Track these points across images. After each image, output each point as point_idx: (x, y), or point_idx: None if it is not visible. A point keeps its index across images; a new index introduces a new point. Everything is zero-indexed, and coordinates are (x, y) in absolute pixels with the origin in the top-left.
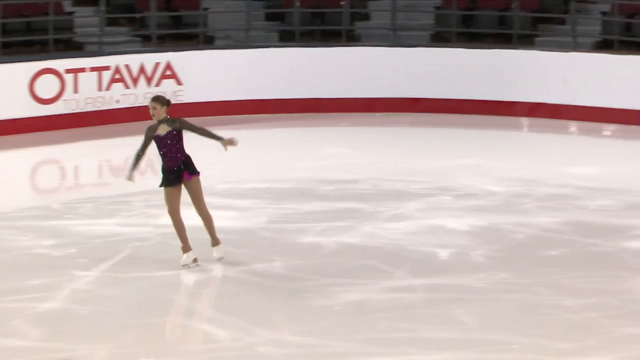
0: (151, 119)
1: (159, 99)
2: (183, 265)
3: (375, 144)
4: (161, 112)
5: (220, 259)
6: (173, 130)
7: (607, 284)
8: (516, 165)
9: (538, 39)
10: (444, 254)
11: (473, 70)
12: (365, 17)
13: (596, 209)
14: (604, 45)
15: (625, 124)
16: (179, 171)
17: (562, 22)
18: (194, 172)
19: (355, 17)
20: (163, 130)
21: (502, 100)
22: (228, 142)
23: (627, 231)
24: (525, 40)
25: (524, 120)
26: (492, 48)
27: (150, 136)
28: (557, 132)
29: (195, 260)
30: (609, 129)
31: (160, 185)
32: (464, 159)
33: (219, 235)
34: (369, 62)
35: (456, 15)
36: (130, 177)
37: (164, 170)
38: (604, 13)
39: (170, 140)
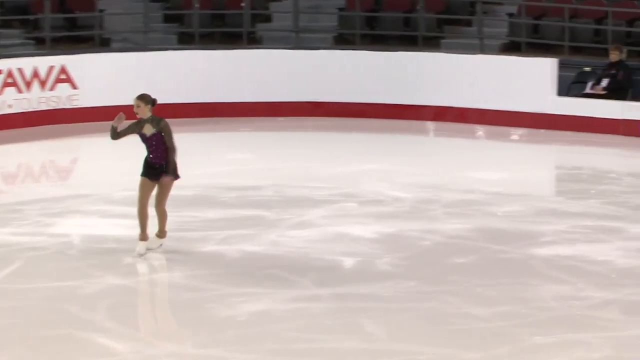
0: (135, 118)
1: (143, 98)
2: (139, 255)
3: (278, 149)
4: (145, 111)
5: (159, 247)
6: (158, 132)
7: (517, 291)
8: (423, 171)
9: (444, 41)
10: (349, 262)
11: (378, 73)
12: (267, 18)
13: (505, 215)
14: (511, 48)
15: (533, 127)
16: (160, 170)
17: (468, 23)
18: (169, 173)
19: (257, 18)
20: (148, 130)
21: (407, 104)
22: (166, 180)
23: (536, 237)
24: (430, 43)
25: (430, 125)
26: (397, 50)
27: (134, 130)
28: (464, 136)
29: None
30: (516, 133)
31: (140, 174)
32: (370, 164)
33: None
34: (271, 65)
35: (360, 16)
36: (116, 123)
37: (147, 162)
38: (510, 15)
39: (156, 142)
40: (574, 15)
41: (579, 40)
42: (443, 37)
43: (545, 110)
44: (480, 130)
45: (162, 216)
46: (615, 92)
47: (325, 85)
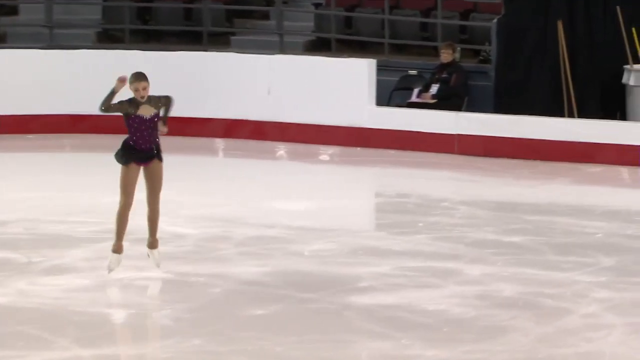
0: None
1: (145, 76)
2: (110, 270)
3: (28, 175)
4: (148, 91)
5: (158, 266)
6: (157, 112)
7: (327, 350)
8: (210, 201)
9: (235, 37)
10: (119, 315)
11: (153, 78)
12: (13, 11)
13: (313, 254)
14: (319, 46)
15: (347, 145)
16: (149, 155)
17: (265, 16)
18: (160, 158)
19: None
20: (147, 112)
21: (190, 116)
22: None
23: (352, 283)
24: (218, 40)
25: (220, 143)
26: (176, 50)
27: (126, 110)
28: (261, 157)
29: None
30: (326, 152)
31: (124, 163)
32: (143, 192)
33: None
34: (19, 68)
35: (129, 7)
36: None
37: (132, 147)
38: (317, 5)
39: (153, 124)
40: (396, 6)
41: (402, 36)
42: (233, 33)
43: (361, 124)
44: (282, 149)
45: (155, 215)
46: (447, 101)
47: (87, 94)
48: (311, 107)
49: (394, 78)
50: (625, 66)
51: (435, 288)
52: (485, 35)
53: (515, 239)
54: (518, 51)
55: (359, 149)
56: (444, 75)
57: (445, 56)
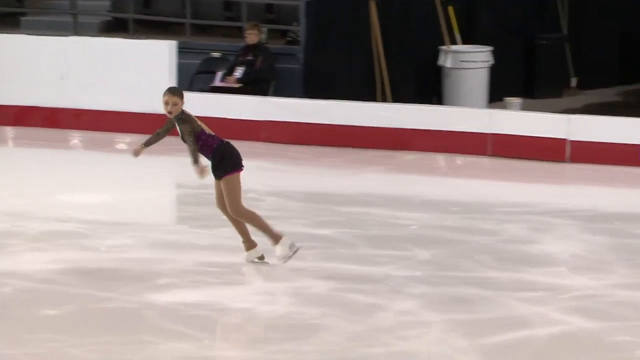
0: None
1: (179, 92)
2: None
3: None
4: (180, 108)
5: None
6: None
7: (127, 353)
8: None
9: (24, 18)
10: None
11: None
12: None
13: (110, 250)
14: (116, 27)
15: (146, 133)
16: (213, 169)
17: None
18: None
19: None
20: (181, 131)
21: None
22: (202, 171)
23: (152, 280)
24: (6, 21)
25: (9, 131)
26: None
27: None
28: (54, 146)
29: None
30: (124, 140)
31: (229, 172)
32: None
33: None
34: None
35: None
36: (138, 151)
37: (228, 153)
38: None
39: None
40: None
41: (204, 16)
42: (23, 14)
43: (161, 110)
44: (77, 137)
45: (236, 223)
46: (253, 85)
47: None
48: (108, 93)
49: (196, 61)
50: (442, 47)
51: (240, 285)
52: (293, 15)
53: (327, 231)
54: (328, 32)
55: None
56: (249, 58)
57: (251, 37)
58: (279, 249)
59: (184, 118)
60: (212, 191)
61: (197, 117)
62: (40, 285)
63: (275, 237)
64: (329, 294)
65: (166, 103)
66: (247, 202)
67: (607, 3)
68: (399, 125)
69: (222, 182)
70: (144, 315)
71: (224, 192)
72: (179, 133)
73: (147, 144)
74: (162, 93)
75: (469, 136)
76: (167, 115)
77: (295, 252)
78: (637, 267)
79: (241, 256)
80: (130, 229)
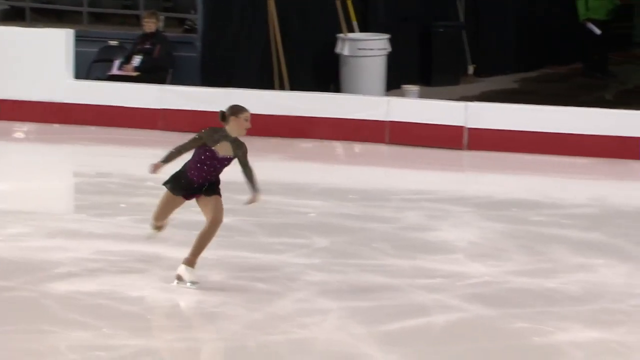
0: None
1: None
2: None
3: None
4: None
5: (194, 284)
6: (232, 157)
7: (26, 342)
8: None
9: None
10: None
11: None
12: None
13: (7, 239)
14: (13, 15)
15: (44, 122)
16: (198, 189)
17: None
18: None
19: None
20: (223, 150)
21: None
22: (254, 199)
23: (50, 269)
24: None
25: None
26: None
27: (203, 142)
28: None
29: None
30: (21, 129)
31: (166, 184)
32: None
33: None
34: None
35: None
36: (155, 169)
37: (181, 176)
38: None
39: (220, 165)
40: None
41: (101, 5)
42: None
43: (58, 99)
44: None
45: (205, 238)
46: (151, 73)
47: None
48: (4, 81)
49: (94, 49)
50: (339, 35)
51: (138, 273)
52: (190, 3)
53: (225, 219)
54: (226, 19)
55: (57, 125)
56: (147, 46)
57: (149, 25)
58: (187, 273)
59: (238, 142)
60: (112, 180)
61: (95, 105)
62: None
63: (194, 261)
64: (228, 282)
65: (246, 120)
66: (145, 191)
67: None
68: (297, 113)
69: (213, 198)
70: (43, 304)
71: (216, 208)
72: (224, 154)
73: (167, 160)
74: (239, 109)
75: (366, 124)
76: (245, 132)
77: (187, 285)
78: (534, 254)
79: (140, 245)
80: (29, 217)
